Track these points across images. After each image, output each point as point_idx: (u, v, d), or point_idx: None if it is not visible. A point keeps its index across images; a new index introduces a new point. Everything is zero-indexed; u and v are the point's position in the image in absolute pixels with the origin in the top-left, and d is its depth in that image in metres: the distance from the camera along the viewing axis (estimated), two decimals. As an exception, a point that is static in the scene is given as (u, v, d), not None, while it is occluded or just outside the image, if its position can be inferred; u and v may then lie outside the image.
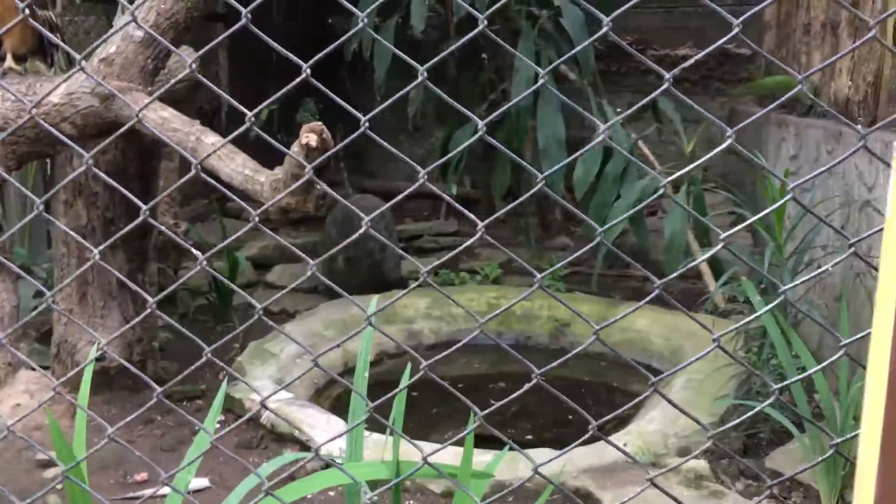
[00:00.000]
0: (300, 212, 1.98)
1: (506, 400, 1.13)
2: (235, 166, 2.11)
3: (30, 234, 3.62)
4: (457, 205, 1.19)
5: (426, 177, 1.03)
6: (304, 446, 2.37)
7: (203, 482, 2.27)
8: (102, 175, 1.26)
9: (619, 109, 4.40)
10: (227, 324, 3.44)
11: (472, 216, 1.12)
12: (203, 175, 1.15)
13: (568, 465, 2.12)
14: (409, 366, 1.45)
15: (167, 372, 2.68)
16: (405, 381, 1.33)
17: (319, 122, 1.75)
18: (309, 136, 1.72)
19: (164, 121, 2.22)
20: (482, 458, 1.65)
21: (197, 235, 3.77)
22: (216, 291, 3.54)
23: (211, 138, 2.20)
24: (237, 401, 2.58)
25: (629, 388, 3.23)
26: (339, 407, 2.84)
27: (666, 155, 4.41)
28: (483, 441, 1.64)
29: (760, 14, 4.31)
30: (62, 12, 2.74)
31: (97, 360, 2.55)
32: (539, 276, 1.00)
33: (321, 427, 2.42)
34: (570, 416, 2.95)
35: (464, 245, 1.24)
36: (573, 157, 3.60)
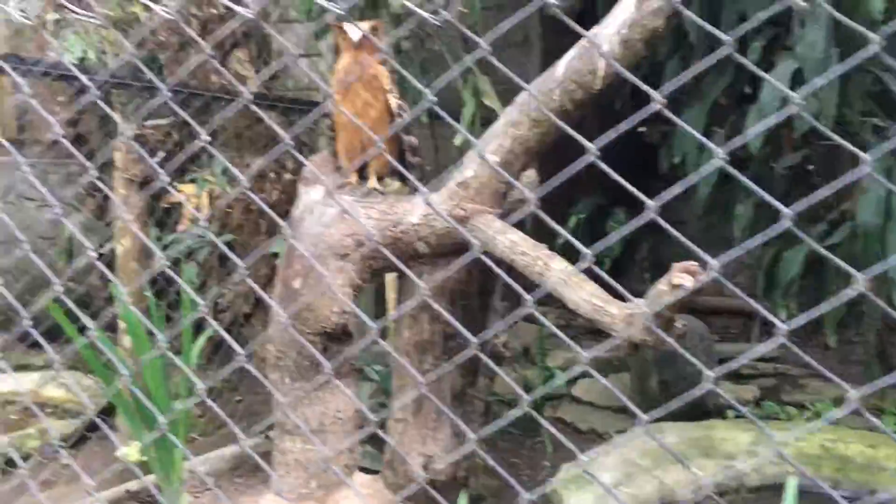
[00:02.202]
0: (654, 348, 1.87)
1: None
2: (584, 295, 2.05)
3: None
4: (781, 324, 1.01)
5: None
6: None
7: None
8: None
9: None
10: (536, 439, 3.40)
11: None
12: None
13: None
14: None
15: (487, 489, 2.66)
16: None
17: (694, 263, 1.64)
18: (683, 276, 1.61)
19: (513, 244, 2.24)
20: None
21: (515, 348, 3.81)
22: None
23: (558, 264, 2.18)
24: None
25: None
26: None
27: None
28: None
29: None
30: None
31: (426, 469, 2.60)
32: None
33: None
34: None
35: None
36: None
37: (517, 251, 2.21)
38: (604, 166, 0.96)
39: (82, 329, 2.73)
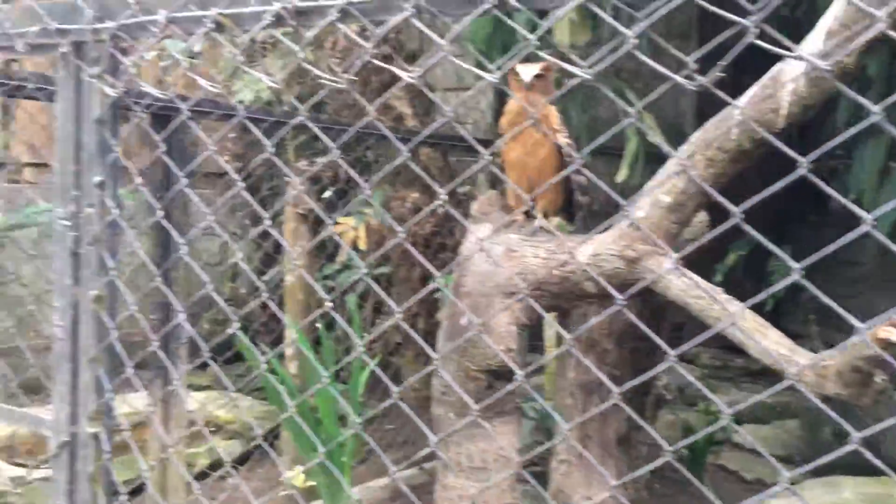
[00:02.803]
0: (856, 404, 1.76)
1: None
2: (768, 343, 1.97)
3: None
4: None
5: None
6: None
7: None
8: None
9: None
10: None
11: None
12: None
13: None
14: None
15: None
16: None
17: (900, 316, 1.54)
18: (890, 331, 1.52)
19: (688, 286, 2.18)
20: None
21: (673, 389, 3.70)
22: (688, 448, 3.40)
23: (737, 308, 2.10)
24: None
25: None
26: None
27: None
28: None
29: None
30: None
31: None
32: None
33: None
34: None
35: None
36: None
37: (692, 294, 2.15)
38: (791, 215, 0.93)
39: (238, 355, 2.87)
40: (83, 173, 1.28)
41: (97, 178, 1.25)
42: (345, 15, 0.97)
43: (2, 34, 1.38)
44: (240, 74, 4.19)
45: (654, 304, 2.45)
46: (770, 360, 1.96)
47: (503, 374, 2.52)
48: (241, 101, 4.21)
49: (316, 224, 3.63)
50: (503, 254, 2.52)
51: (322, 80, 1.00)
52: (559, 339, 3.51)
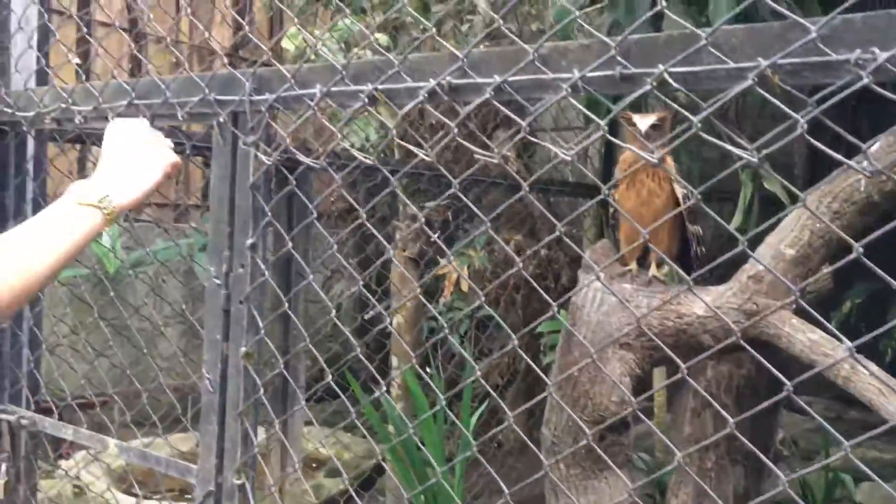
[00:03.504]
0: None
1: None
2: (904, 406, 1.88)
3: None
4: None
5: None
6: None
7: None
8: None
9: None
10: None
11: None
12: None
13: None
14: None
15: None
16: None
17: None
18: None
19: (813, 343, 2.11)
20: None
21: (789, 443, 3.57)
22: (805, 508, 3.25)
23: (870, 368, 2.02)
24: None
25: None
26: None
27: None
28: None
29: None
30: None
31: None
32: None
33: None
34: None
35: None
36: None
37: (818, 352, 2.08)
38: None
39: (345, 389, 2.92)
40: (236, 234, 1.35)
41: (250, 241, 1.32)
42: (499, 92, 1.00)
43: (165, 103, 1.47)
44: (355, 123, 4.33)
45: (775, 360, 2.38)
46: (906, 425, 1.88)
47: (615, 426, 2.48)
48: (351, 145, 4.34)
49: (424, 268, 3.69)
50: (616, 304, 2.50)
51: (475, 154, 1.03)
52: (670, 393, 3.44)
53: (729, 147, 0.90)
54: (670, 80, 0.90)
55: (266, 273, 1.31)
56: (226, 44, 6.45)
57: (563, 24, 2.18)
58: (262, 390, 1.33)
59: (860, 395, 1.98)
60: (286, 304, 1.47)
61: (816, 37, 0.84)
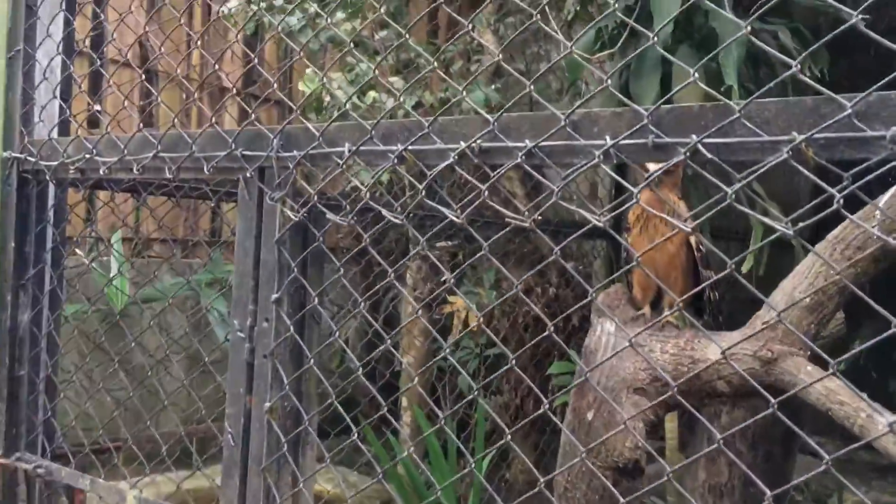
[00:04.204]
0: None
1: None
2: (922, 457, 1.87)
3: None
4: None
5: None
6: None
7: None
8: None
9: None
10: None
11: None
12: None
13: None
14: None
15: None
16: None
17: None
18: None
19: (830, 392, 2.11)
20: None
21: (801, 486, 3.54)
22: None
23: (886, 417, 2.01)
24: None
25: None
26: None
27: None
28: None
29: None
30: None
31: None
32: None
33: None
34: None
35: None
36: None
37: (834, 400, 2.08)
38: None
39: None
40: (261, 288, 1.36)
41: (275, 296, 1.33)
42: (530, 157, 1.01)
43: (191, 157, 1.49)
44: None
45: (790, 408, 2.37)
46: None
47: (629, 472, 2.47)
48: (362, 183, 4.36)
49: (434, 309, 3.69)
50: (630, 348, 2.50)
51: (507, 217, 1.04)
52: (681, 437, 3.42)
53: (762, 219, 0.91)
54: (704, 150, 0.91)
55: (291, 328, 1.31)
56: (238, 80, 6.51)
57: (573, 75, 2.19)
58: (285, 447, 1.33)
59: (877, 444, 1.97)
60: (309, 360, 1.47)
61: (852, 112, 0.86)
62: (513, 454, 4.74)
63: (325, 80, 2.93)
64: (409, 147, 1.14)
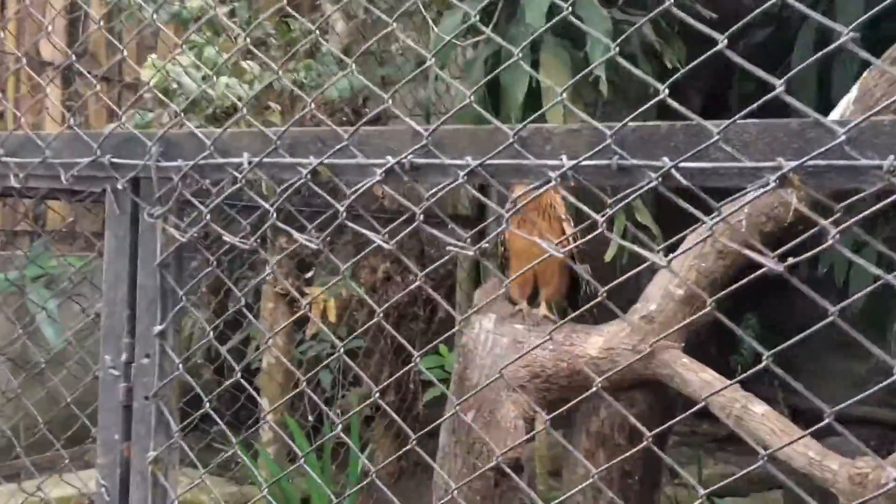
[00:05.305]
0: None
1: None
2: (797, 445, 1.94)
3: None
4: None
5: None
6: None
7: None
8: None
9: None
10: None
11: None
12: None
13: None
14: None
15: None
16: None
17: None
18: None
19: (706, 384, 2.15)
20: None
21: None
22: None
23: (759, 408, 2.07)
24: None
25: None
26: None
27: None
28: None
29: None
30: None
31: None
32: None
33: None
34: None
35: None
36: None
37: (709, 391, 2.12)
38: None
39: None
40: (139, 318, 1.16)
41: (159, 328, 1.14)
42: (472, 176, 0.90)
43: (44, 163, 1.26)
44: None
45: (666, 398, 2.41)
46: (800, 465, 1.94)
47: (511, 470, 2.44)
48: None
49: (295, 302, 3.52)
50: (508, 345, 2.46)
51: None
52: (548, 431, 3.44)
53: (753, 256, 0.85)
54: (678, 176, 0.84)
55: (180, 366, 1.13)
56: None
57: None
58: (175, 504, 1.15)
59: (753, 434, 2.02)
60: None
61: (844, 140, 0.80)
62: (374, 445, 4.65)
63: (169, 65, 2.66)
64: (326, 161, 0.99)
